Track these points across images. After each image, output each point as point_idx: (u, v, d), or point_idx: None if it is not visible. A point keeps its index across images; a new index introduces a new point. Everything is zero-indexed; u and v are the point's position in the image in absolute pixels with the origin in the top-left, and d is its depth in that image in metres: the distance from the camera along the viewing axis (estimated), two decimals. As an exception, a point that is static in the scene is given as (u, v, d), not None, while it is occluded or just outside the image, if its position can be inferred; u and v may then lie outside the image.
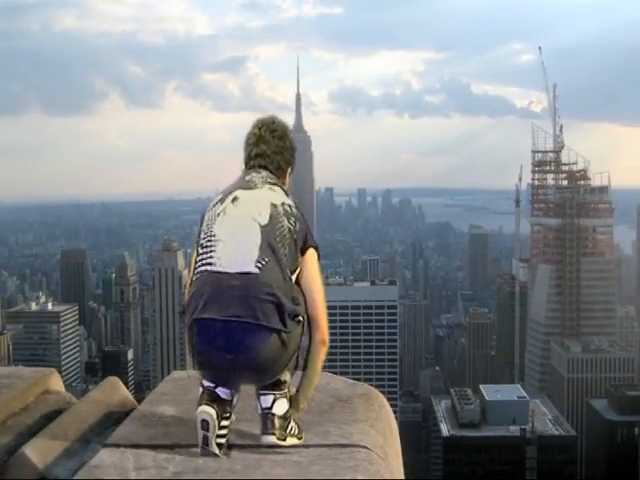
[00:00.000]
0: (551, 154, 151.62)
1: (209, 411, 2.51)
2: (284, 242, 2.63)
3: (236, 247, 2.60)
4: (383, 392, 3.52)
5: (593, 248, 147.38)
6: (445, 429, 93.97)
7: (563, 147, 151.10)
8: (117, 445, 2.62)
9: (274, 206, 2.67)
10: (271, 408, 2.62)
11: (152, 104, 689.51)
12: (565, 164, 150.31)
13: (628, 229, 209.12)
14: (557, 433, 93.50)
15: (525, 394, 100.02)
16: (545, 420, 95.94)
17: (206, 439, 2.50)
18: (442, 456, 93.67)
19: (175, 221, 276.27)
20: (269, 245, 2.59)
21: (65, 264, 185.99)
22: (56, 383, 3.41)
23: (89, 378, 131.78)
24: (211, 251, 2.63)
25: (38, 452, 2.64)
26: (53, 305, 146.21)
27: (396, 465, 2.76)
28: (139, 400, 3.25)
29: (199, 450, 2.53)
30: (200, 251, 2.67)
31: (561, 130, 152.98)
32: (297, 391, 2.76)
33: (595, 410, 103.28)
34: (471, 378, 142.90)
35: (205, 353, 2.56)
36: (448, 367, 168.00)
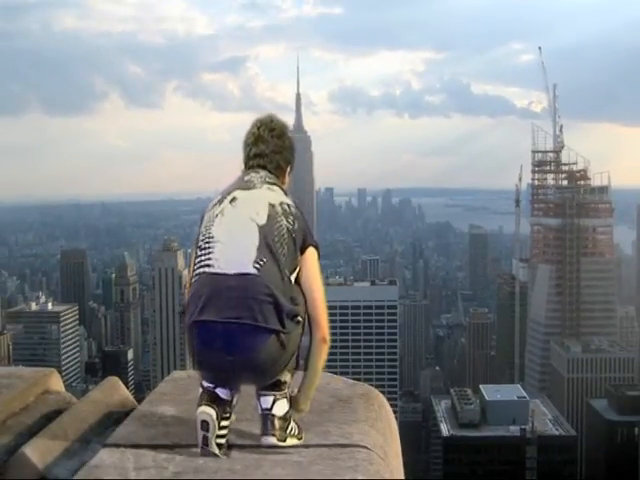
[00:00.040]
0: (551, 154, 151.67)
1: (209, 411, 2.51)
2: (282, 242, 2.62)
3: (234, 248, 2.60)
4: (383, 392, 3.52)
5: (593, 248, 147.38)
6: (445, 429, 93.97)
7: (563, 147, 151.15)
8: (117, 445, 2.62)
9: (272, 206, 2.67)
10: (271, 409, 2.62)
11: (152, 104, 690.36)
12: (565, 164, 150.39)
13: (628, 229, 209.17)
14: (557, 433, 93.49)
15: (525, 394, 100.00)
16: (545, 420, 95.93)
17: (206, 439, 2.51)
18: (442, 456, 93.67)
19: (175, 221, 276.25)
20: (267, 245, 2.58)
21: (65, 264, 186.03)
22: (56, 383, 3.41)
23: (89, 378, 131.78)
24: (209, 253, 2.62)
25: (38, 452, 2.63)
26: (53, 305, 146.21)
27: (396, 465, 2.76)
28: (139, 400, 3.25)
29: (199, 450, 2.53)
30: (199, 253, 2.67)
31: (561, 130, 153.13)
32: (299, 391, 2.76)
33: (595, 410, 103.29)
34: (471, 378, 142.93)
35: (204, 355, 2.56)
36: (448, 367, 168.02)
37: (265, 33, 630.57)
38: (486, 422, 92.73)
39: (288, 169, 2.92)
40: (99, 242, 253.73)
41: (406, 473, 2.90)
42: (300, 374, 2.76)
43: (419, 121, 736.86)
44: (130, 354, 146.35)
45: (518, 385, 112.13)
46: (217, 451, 2.51)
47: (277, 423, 2.60)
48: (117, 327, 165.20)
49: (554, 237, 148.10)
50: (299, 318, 2.61)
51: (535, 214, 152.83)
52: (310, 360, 2.74)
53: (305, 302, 2.69)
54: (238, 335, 2.49)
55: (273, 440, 2.58)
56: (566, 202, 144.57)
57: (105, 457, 2.51)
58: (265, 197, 2.70)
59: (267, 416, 2.62)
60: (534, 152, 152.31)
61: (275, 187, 2.77)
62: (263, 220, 2.62)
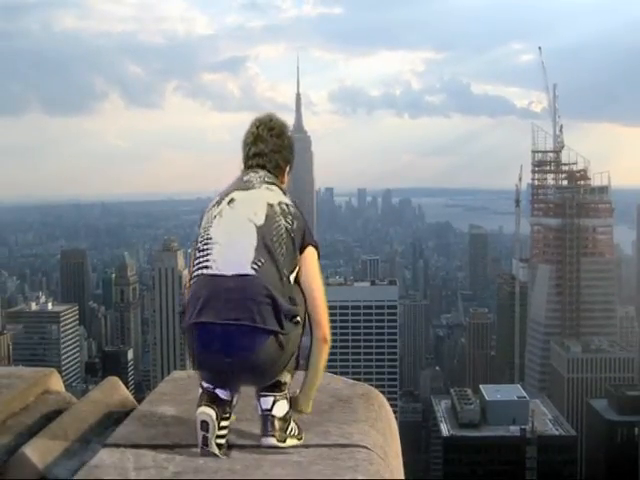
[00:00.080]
0: (551, 154, 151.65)
1: (208, 412, 2.51)
2: (281, 241, 2.61)
3: (232, 249, 2.59)
4: (383, 392, 3.52)
5: (593, 248, 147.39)
6: (445, 429, 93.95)
7: (563, 147, 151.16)
8: (117, 445, 2.62)
9: (270, 206, 2.66)
10: (271, 410, 2.62)
11: (152, 104, 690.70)
12: (565, 164, 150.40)
13: (628, 229, 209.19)
14: (557, 433, 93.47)
15: (525, 394, 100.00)
16: (545, 420, 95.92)
17: (206, 440, 2.51)
18: (442, 456, 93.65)
19: (175, 221, 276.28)
20: (265, 246, 2.58)
21: (65, 264, 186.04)
22: (56, 383, 3.41)
23: (89, 378, 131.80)
24: (208, 254, 2.62)
25: (38, 452, 2.63)
26: (53, 305, 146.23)
27: (396, 465, 2.76)
28: (139, 400, 3.25)
29: (199, 450, 2.53)
30: (197, 254, 2.66)
31: (561, 130, 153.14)
32: (300, 391, 2.76)
33: (595, 410, 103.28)
34: (471, 378, 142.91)
35: (203, 356, 2.56)
36: (448, 367, 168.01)
37: (265, 33, 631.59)
38: (486, 422, 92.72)
39: (288, 168, 2.91)
40: (99, 242, 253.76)
41: (406, 473, 2.89)
42: (300, 374, 2.76)
43: (419, 121, 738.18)
44: (130, 354, 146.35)
45: (518, 385, 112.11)
46: (217, 451, 2.51)
47: (277, 424, 2.60)
48: (117, 327, 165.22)
49: (554, 237, 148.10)
50: (298, 319, 2.60)
51: (535, 214, 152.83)
52: (311, 360, 2.73)
53: (305, 302, 2.68)
54: (236, 336, 2.49)
55: (273, 441, 2.58)
56: (566, 202, 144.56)
57: (105, 457, 2.51)
58: (263, 197, 2.69)
59: (267, 417, 2.61)
60: (534, 152, 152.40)
61: (274, 187, 2.77)
62: (261, 220, 2.62)
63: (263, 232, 2.60)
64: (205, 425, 2.51)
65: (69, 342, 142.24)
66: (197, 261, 2.65)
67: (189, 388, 3.10)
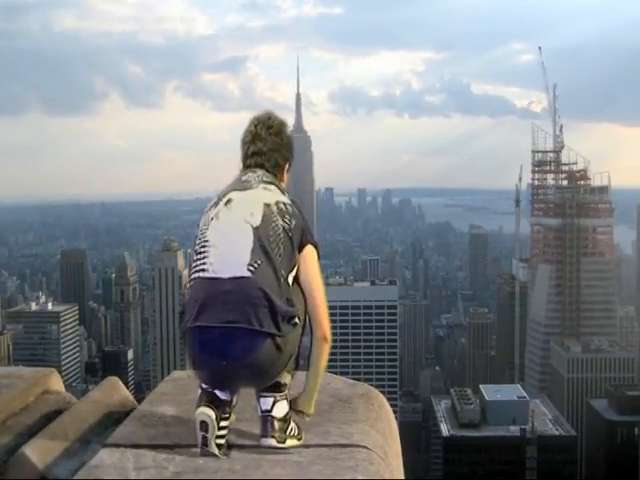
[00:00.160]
0: (551, 154, 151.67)
1: (208, 412, 2.51)
2: (278, 242, 2.59)
3: (228, 252, 2.58)
4: (383, 392, 3.51)
5: (593, 248, 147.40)
6: (445, 429, 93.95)
7: (563, 147, 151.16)
8: (117, 445, 2.62)
9: (267, 206, 2.63)
10: (271, 410, 2.61)
11: (152, 104, 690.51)
12: (565, 164, 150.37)
13: (628, 229, 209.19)
14: (557, 433, 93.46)
15: (525, 394, 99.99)
16: (545, 420, 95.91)
17: (205, 440, 2.50)
18: (442, 456, 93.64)
19: (175, 221, 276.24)
20: (262, 247, 2.55)
21: (65, 264, 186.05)
22: (56, 383, 3.41)
23: (89, 378, 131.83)
24: (204, 257, 2.61)
25: (38, 452, 2.63)
26: (53, 305, 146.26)
27: (396, 465, 2.76)
28: (139, 400, 3.25)
29: (199, 450, 2.53)
30: (195, 257, 2.65)
31: (561, 130, 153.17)
32: (302, 392, 2.75)
33: (595, 410, 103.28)
34: (471, 378, 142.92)
35: (201, 359, 2.56)
36: (448, 367, 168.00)
37: (265, 33, 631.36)
38: (486, 422, 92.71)
39: (287, 167, 2.89)
40: (99, 242, 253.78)
41: (406, 473, 2.89)
42: (301, 374, 2.75)
43: (419, 121, 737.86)
44: (130, 354, 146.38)
45: (518, 385, 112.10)
46: (217, 451, 2.50)
47: (277, 425, 2.60)
48: (117, 327, 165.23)
49: (554, 237, 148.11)
50: (296, 320, 2.58)
51: (535, 214, 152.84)
52: (312, 360, 2.72)
53: (305, 302, 2.67)
54: (233, 339, 2.48)
55: (272, 442, 2.58)
56: (566, 202, 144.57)
57: (105, 457, 2.51)
58: (260, 197, 2.66)
59: (267, 418, 2.61)
60: (534, 152, 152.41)
61: (272, 186, 2.74)
62: (257, 221, 2.59)
63: (259, 233, 2.57)
64: (204, 425, 2.50)
65: (69, 342, 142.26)
66: (194, 264, 2.64)
67: (189, 388, 3.09)
